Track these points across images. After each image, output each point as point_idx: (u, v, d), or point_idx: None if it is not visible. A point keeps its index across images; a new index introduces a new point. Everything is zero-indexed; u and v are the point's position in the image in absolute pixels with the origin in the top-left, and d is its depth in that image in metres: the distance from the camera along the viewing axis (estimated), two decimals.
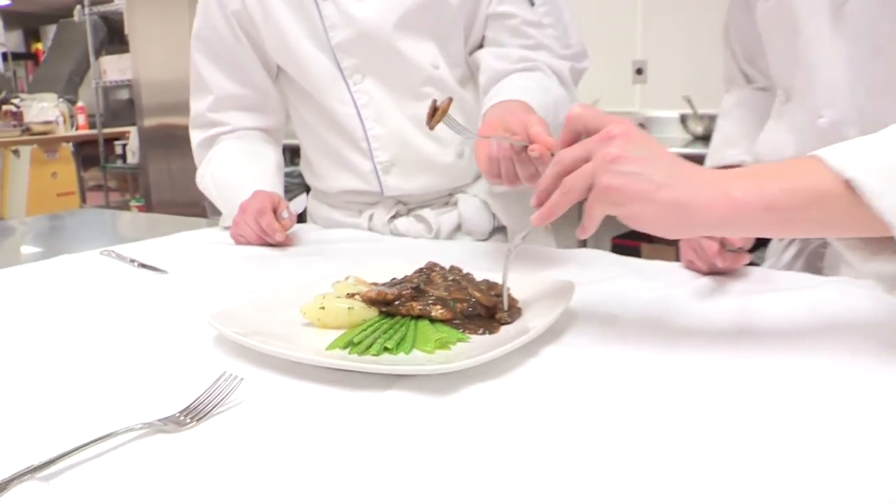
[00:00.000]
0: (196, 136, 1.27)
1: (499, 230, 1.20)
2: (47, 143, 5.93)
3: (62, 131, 6.10)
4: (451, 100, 0.74)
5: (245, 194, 1.12)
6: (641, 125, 3.51)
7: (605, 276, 0.86)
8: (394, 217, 1.20)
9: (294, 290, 0.74)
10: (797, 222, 0.57)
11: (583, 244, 2.41)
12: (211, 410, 0.50)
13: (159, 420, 0.48)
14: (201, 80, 1.24)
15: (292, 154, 3.25)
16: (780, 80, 0.91)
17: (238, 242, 1.12)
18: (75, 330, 0.73)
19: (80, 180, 6.42)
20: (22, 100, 5.88)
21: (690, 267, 0.89)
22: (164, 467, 0.44)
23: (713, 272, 0.86)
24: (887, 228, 0.53)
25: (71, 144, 6.23)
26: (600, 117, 0.60)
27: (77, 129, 6.50)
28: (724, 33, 1.07)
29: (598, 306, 0.74)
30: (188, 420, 0.49)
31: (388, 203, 1.20)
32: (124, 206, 5.07)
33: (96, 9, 4.83)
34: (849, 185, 0.54)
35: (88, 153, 6.98)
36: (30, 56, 12.20)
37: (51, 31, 11.86)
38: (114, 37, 6.77)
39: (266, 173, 1.20)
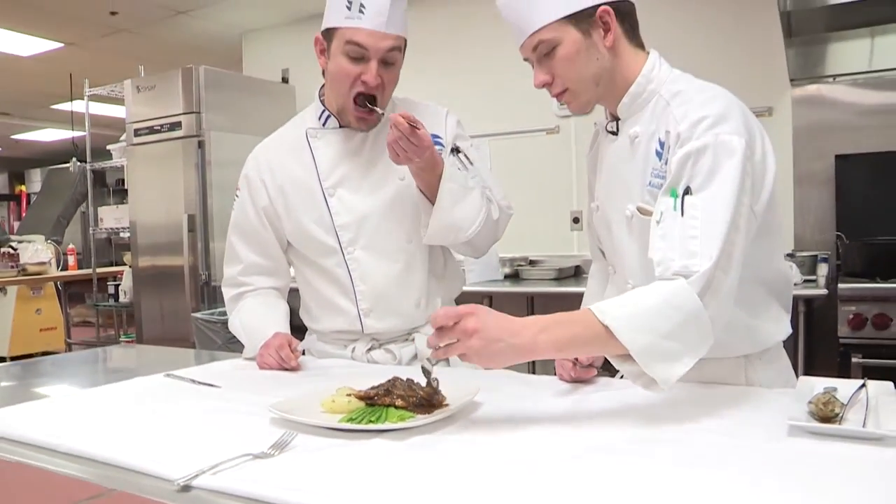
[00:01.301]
0: (228, 293, 1.79)
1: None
2: (34, 281, 6.30)
3: (53, 271, 6.49)
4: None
5: (267, 335, 1.62)
6: (579, 266, 4.13)
7: (505, 386, 1.37)
8: (370, 349, 1.70)
9: (312, 394, 1.23)
10: (578, 351, 1.11)
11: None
12: (284, 448, 0.99)
13: (260, 451, 0.97)
14: (235, 253, 1.77)
15: None
16: (609, 260, 1.46)
17: (262, 368, 1.61)
18: (183, 417, 1.20)
19: (66, 316, 6.75)
20: (19, 242, 6.30)
21: (561, 378, 1.40)
22: (265, 472, 0.92)
23: (575, 381, 1.38)
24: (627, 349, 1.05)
25: (57, 282, 6.60)
26: (455, 310, 1.09)
27: (67, 268, 6.90)
28: (587, 224, 1.63)
29: (493, 400, 1.24)
30: (274, 451, 0.97)
31: (366, 339, 1.71)
32: (115, 341, 5.43)
33: (95, 164, 5.42)
34: (607, 328, 1.06)
35: (75, 291, 7.35)
36: (13, 198, 12.75)
37: (34, 174, 12.50)
38: (97, 182, 7.38)
39: (280, 320, 1.71)
